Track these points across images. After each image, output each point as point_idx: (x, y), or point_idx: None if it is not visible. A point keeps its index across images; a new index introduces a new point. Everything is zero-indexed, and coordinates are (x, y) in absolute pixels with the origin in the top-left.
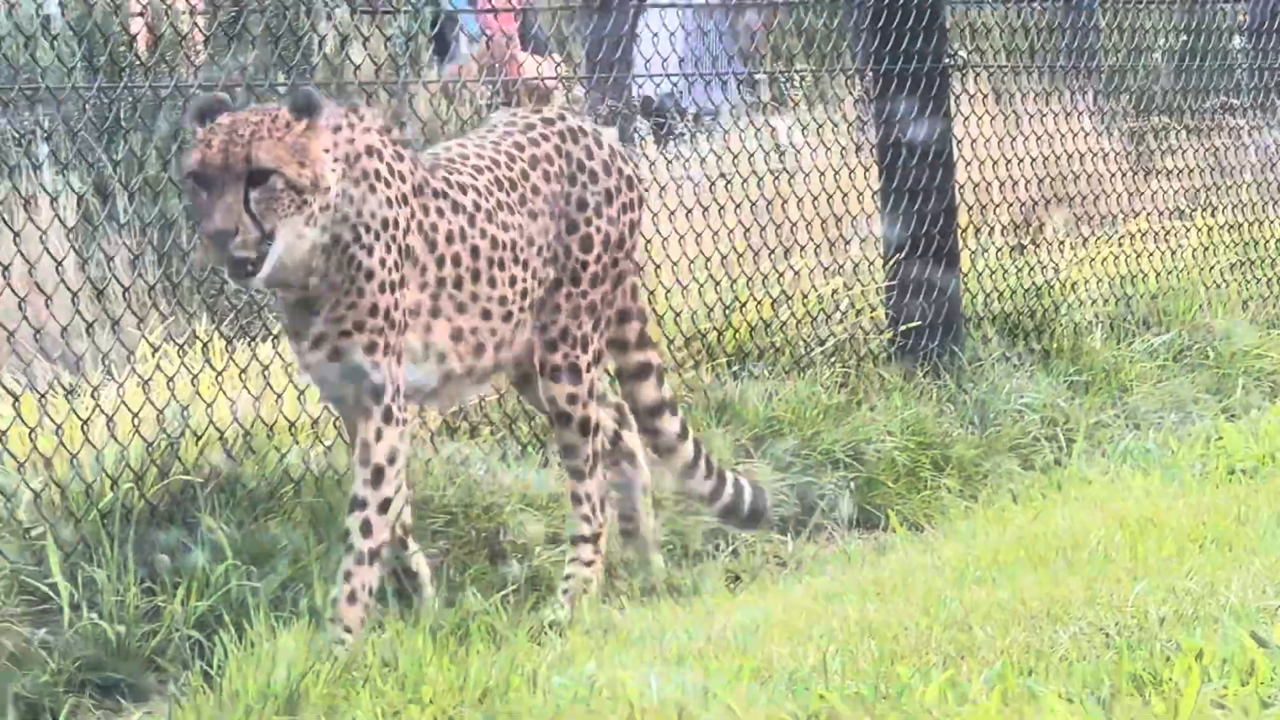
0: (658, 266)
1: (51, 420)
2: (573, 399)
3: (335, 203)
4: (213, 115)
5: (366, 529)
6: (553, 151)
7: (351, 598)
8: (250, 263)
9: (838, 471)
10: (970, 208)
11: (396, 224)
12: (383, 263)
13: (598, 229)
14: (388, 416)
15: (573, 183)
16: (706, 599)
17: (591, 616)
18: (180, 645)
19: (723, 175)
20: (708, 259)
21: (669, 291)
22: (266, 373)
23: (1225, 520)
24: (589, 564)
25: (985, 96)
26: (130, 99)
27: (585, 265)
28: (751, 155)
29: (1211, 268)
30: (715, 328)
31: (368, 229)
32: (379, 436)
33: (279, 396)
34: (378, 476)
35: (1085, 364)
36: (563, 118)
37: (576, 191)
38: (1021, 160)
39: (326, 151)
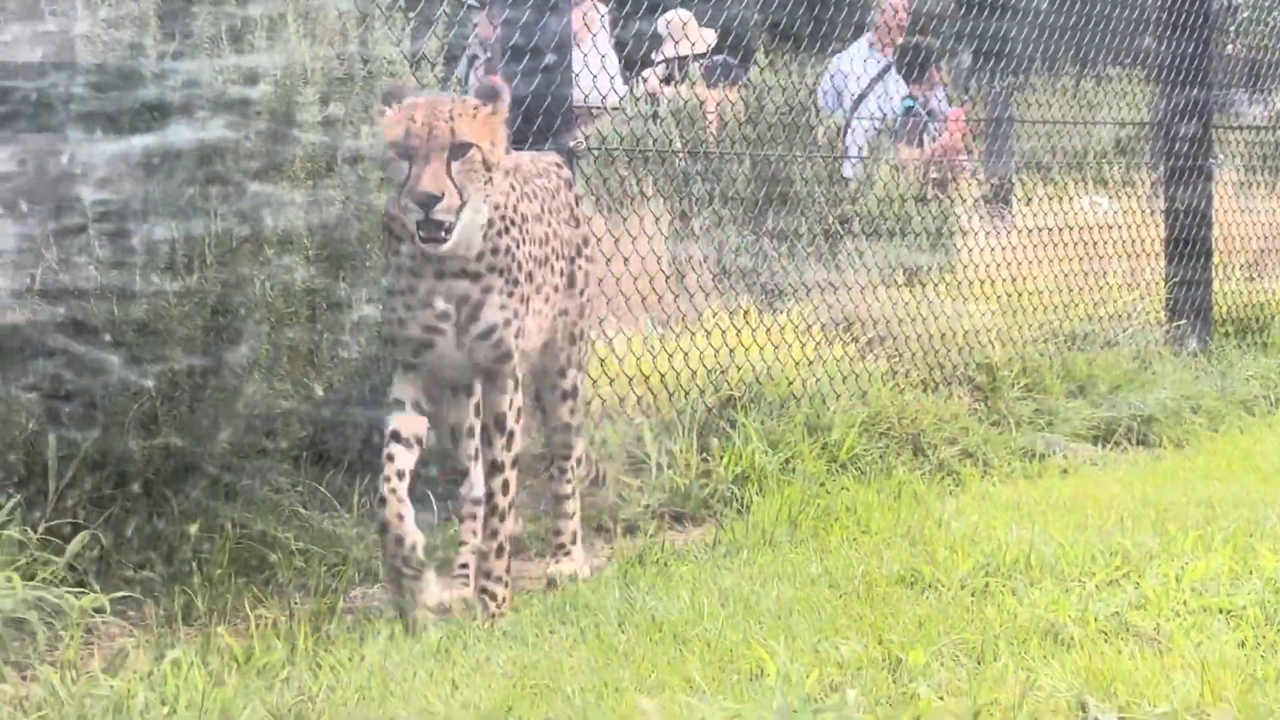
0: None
1: (650, 354)
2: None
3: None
4: (398, 98)
5: (505, 488)
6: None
7: (500, 551)
8: (447, 227)
9: (1129, 412)
10: (1220, 251)
11: (526, 219)
12: (520, 247)
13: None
14: (515, 384)
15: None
16: (1046, 482)
17: (979, 489)
18: (723, 492)
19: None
20: (1058, 279)
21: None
22: (780, 330)
23: None
24: None
25: (1231, 184)
26: (704, 161)
27: None
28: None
29: None
30: (1058, 319)
31: (514, 221)
32: (510, 404)
33: (788, 346)
34: (510, 440)
35: None
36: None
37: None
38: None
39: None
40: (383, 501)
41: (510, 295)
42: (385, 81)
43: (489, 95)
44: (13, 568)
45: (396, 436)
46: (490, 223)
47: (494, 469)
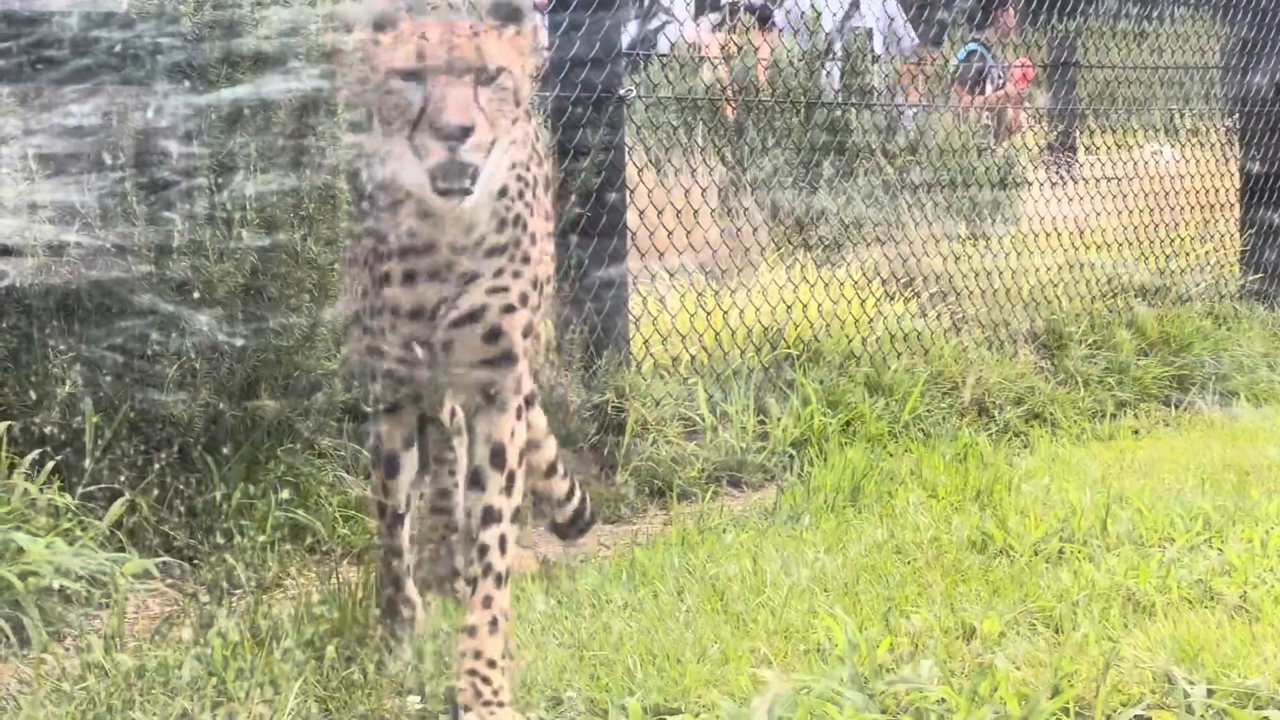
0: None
1: (703, 310)
2: None
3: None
4: (393, 25)
5: (503, 544)
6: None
7: (494, 625)
8: (473, 174)
9: (1204, 369)
10: None
11: (537, 183)
12: (532, 220)
13: None
14: (520, 405)
15: None
16: (1119, 444)
17: (1048, 451)
18: (781, 456)
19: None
20: (1128, 230)
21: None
22: (840, 286)
23: None
24: None
25: None
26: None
27: None
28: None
29: None
30: (1129, 272)
31: (529, 184)
32: (512, 433)
33: (847, 302)
34: (510, 482)
35: None
36: None
37: None
38: None
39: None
40: (394, 613)
41: (518, 281)
42: (375, 4)
43: (509, 15)
44: (54, 533)
45: (399, 519)
46: (504, 188)
47: (487, 518)
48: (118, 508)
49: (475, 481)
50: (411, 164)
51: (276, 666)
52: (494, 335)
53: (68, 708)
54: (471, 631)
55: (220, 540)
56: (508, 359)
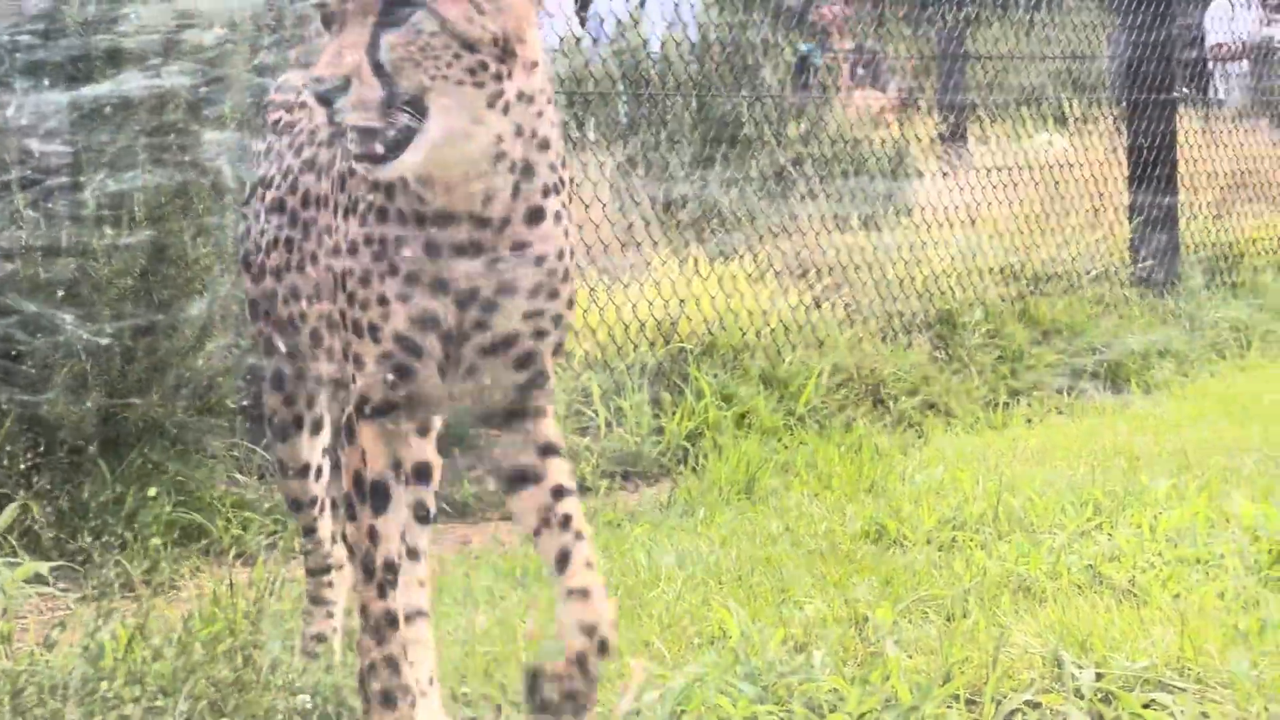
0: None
1: (596, 305)
2: None
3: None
4: None
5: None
6: None
7: (603, 589)
8: (375, 137)
9: (1095, 355)
10: (1186, 189)
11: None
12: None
13: None
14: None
15: None
16: (1011, 432)
17: (939, 441)
18: (676, 450)
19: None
20: (1020, 219)
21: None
22: (733, 279)
23: None
24: None
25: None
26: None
27: None
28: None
29: None
30: (1019, 261)
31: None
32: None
33: (741, 295)
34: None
35: (1260, 293)
36: None
37: None
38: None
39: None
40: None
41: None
42: None
43: None
44: None
45: (392, 571)
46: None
47: (559, 494)
48: (8, 514)
49: (525, 478)
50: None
51: (167, 668)
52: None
53: None
54: (584, 595)
55: (110, 542)
56: (538, 375)
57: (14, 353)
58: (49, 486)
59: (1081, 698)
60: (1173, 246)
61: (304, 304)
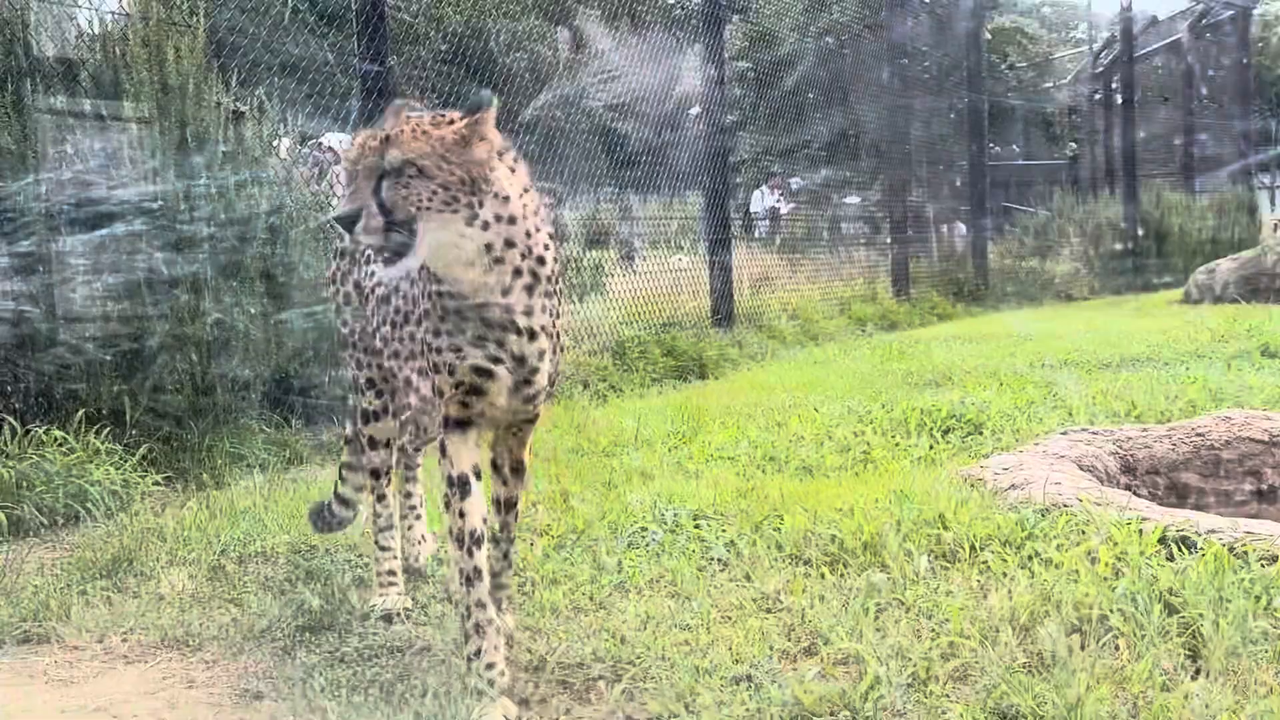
0: None
1: None
2: None
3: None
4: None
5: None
6: None
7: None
8: (392, 247)
9: (694, 360)
10: (737, 282)
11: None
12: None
13: None
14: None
15: None
16: (653, 400)
17: (615, 402)
18: None
19: (669, 270)
20: (663, 295)
21: None
22: None
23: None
24: None
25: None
26: None
27: None
28: None
29: None
30: (663, 316)
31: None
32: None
33: None
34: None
35: (776, 332)
36: None
37: None
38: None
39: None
40: (482, 634)
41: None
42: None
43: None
44: None
45: (477, 540)
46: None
47: (509, 507)
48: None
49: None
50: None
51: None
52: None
53: None
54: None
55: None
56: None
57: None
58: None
59: (667, 524)
60: (729, 309)
61: (402, 360)
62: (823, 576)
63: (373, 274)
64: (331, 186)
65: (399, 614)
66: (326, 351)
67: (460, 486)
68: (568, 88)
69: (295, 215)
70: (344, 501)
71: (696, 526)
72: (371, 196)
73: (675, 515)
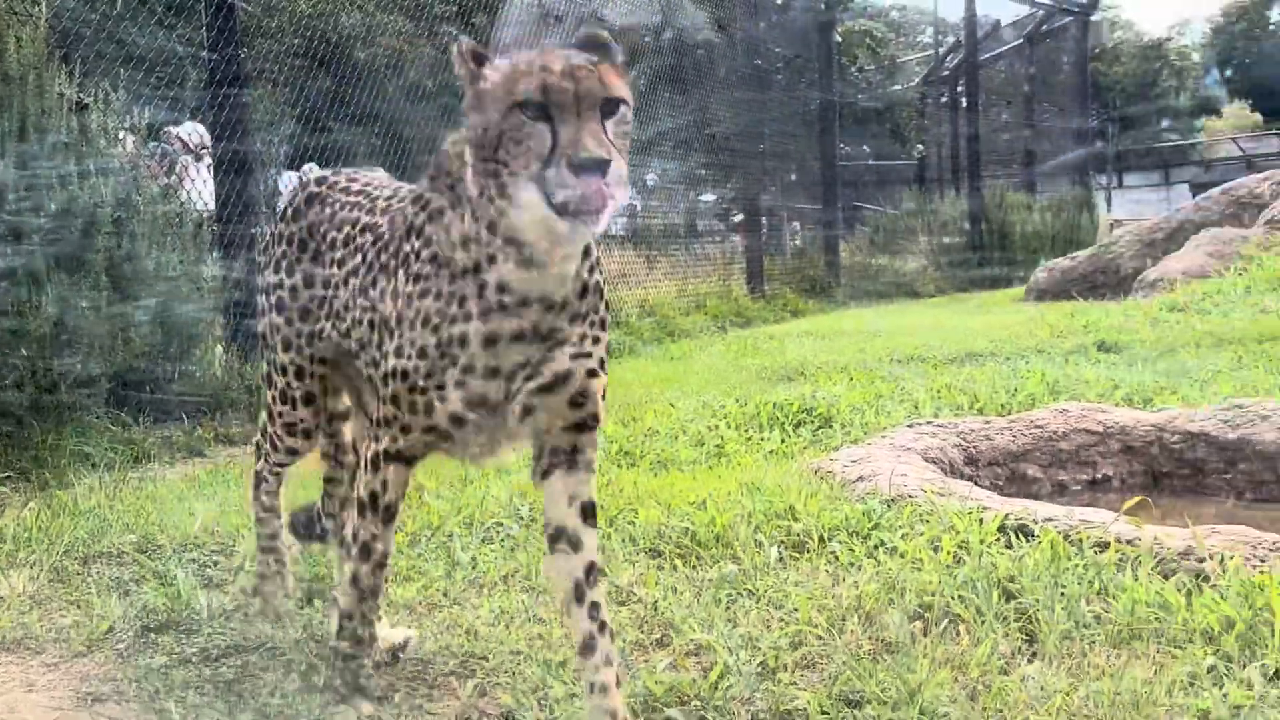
0: None
1: None
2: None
3: None
4: (485, 59)
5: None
6: None
7: (618, 683)
8: (606, 203)
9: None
10: None
11: None
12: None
13: None
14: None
15: None
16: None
17: None
18: None
19: None
20: None
21: None
22: None
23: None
24: None
25: None
26: None
27: None
28: None
29: None
30: None
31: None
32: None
33: None
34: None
35: (669, 326)
36: None
37: None
38: None
39: None
40: (360, 645)
41: (599, 346)
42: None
43: (601, 49)
44: None
45: (384, 561)
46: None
47: (591, 574)
48: None
49: (567, 540)
50: (536, 201)
51: None
52: (581, 399)
53: None
54: (604, 690)
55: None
56: (594, 421)
57: None
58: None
59: (521, 520)
60: None
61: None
62: (675, 568)
63: (340, 258)
64: (180, 179)
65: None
66: (177, 347)
67: (387, 511)
68: (417, 77)
69: (142, 207)
70: (329, 514)
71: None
72: (608, 139)
73: (530, 510)
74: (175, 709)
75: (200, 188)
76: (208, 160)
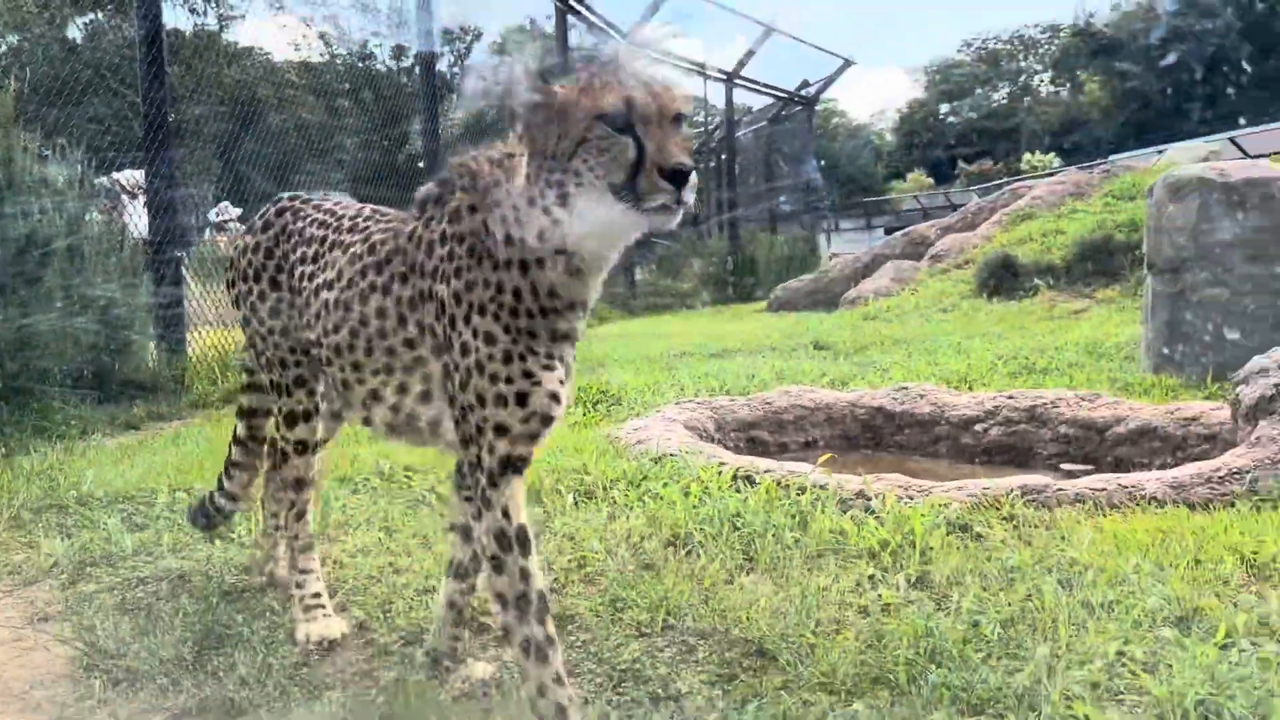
0: None
1: None
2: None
3: None
4: (556, 73)
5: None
6: None
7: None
8: (686, 205)
9: None
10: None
11: None
12: None
13: None
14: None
15: None
16: None
17: None
18: None
19: None
20: None
21: None
22: None
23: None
24: None
25: None
26: None
27: None
28: None
29: None
30: None
31: None
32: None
33: None
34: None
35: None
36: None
37: None
38: None
39: None
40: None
41: None
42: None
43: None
44: None
45: (545, 601)
46: None
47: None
48: None
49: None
50: (614, 210)
51: None
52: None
53: None
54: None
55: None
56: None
57: None
58: None
59: (384, 475)
60: None
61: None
62: None
63: (310, 273)
64: (120, 213)
65: (338, 638)
66: (117, 344)
67: (523, 543)
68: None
69: (89, 236)
70: (230, 496)
71: (407, 477)
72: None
73: (391, 468)
74: (101, 625)
75: (136, 220)
76: (142, 199)
